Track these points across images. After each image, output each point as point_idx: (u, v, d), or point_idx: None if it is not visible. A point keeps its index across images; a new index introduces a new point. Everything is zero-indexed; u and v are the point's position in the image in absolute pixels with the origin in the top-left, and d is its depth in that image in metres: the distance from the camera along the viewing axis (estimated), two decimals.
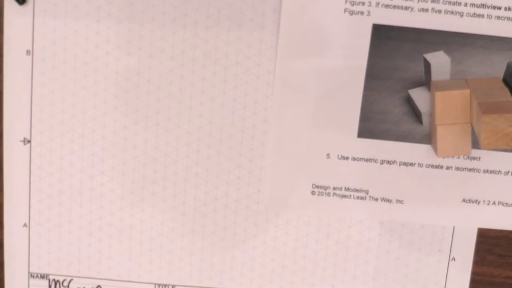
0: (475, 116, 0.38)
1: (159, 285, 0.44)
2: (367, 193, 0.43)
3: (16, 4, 0.40)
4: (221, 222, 0.43)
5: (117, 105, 0.42)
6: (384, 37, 0.40)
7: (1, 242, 0.43)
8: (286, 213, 0.43)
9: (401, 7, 0.40)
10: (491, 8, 0.40)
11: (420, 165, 0.42)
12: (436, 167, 0.42)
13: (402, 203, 0.43)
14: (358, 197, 0.43)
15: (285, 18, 0.40)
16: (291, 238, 0.44)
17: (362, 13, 0.40)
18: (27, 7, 0.40)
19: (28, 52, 0.41)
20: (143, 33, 0.41)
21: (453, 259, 0.44)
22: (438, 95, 0.40)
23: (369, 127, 0.42)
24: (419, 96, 0.41)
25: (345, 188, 0.43)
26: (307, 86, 0.41)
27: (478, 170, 0.42)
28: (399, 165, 0.42)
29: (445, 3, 0.40)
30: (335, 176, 0.42)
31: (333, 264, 0.44)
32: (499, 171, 0.42)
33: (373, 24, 0.40)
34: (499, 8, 0.40)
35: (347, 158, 0.42)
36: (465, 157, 0.42)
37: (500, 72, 0.41)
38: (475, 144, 0.40)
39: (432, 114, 0.41)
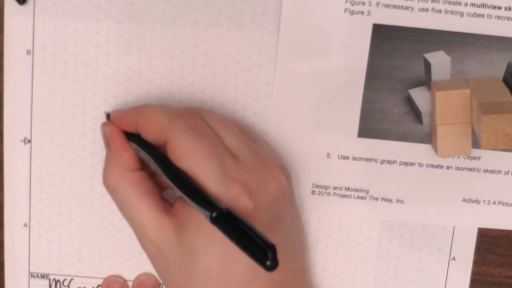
0: (475, 116, 0.38)
1: (160, 284, 0.44)
2: (367, 193, 0.43)
3: (16, 4, 0.40)
4: None
5: (117, 105, 0.42)
6: (384, 37, 0.40)
7: (1, 242, 0.43)
8: None
9: (402, 7, 0.40)
10: (491, 8, 0.40)
11: (420, 164, 0.42)
12: (436, 166, 0.42)
13: (402, 203, 0.43)
14: (358, 197, 0.43)
15: (285, 18, 0.40)
16: None
17: (362, 13, 0.40)
18: (28, 7, 0.40)
19: (28, 52, 0.41)
20: (143, 33, 0.41)
21: (453, 258, 0.44)
22: (438, 94, 0.40)
23: (369, 126, 0.42)
24: (419, 95, 0.41)
25: (346, 187, 0.43)
26: (308, 85, 0.41)
27: (478, 170, 0.42)
28: (399, 164, 0.42)
29: (445, 3, 0.40)
30: (336, 175, 0.42)
31: (333, 263, 0.44)
32: (500, 171, 0.42)
33: (373, 24, 0.40)
34: (499, 8, 0.40)
35: (347, 157, 0.42)
36: (465, 156, 0.42)
37: (500, 72, 0.41)
38: (475, 144, 0.40)
39: (432, 114, 0.41)
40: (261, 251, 0.30)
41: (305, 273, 0.41)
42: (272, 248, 0.30)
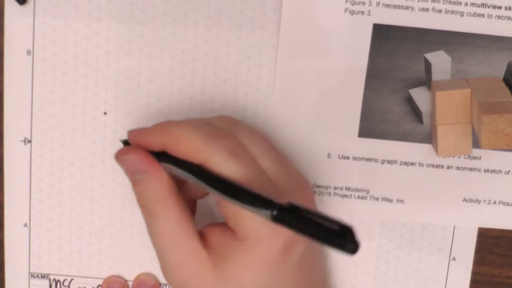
0: (476, 116, 0.38)
1: (160, 284, 0.44)
2: (368, 193, 0.43)
3: (16, 4, 0.40)
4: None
5: (117, 105, 0.42)
6: (384, 36, 0.40)
7: (2, 242, 0.43)
8: None
9: (402, 7, 0.40)
10: (491, 7, 0.40)
11: (420, 164, 0.42)
12: (437, 166, 0.42)
13: (402, 203, 0.43)
14: (358, 197, 0.43)
15: (285, 18, 0.40)
16: None
17: (362, 12, 0.40)
18: (28, 7, 0.40)
19: (28, 52, 0.41)
20: (143, 33, 0.41)
21: (454, 258, 0.44)
22: (439, 94, 0.40)
23: (370, 126, 0.42)
24: (419, 95, 0.41)
25: (346, 187, 0.43)
26: (308, 85, 0.41)
27: (478, 170, 0.42)
28: (400, 164, 0.42)
29: (446, 3, 0.40)
30: (336, 175, 0.42)
31: (333, 263, 0.44)
32: (500, 171, 0.42)
33: (373, 23, 0.40)
34: (500, 7, 0.40)
35: (347, 157, 0.42)
36: (466, 156, 0.42)
37: (500, 71, 0.41)
38: (476, 144, 0.40)
39: (432, 114, 0.41)
40: (338, 236, 0.28)
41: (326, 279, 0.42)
42: (349, 230, 0.28)
